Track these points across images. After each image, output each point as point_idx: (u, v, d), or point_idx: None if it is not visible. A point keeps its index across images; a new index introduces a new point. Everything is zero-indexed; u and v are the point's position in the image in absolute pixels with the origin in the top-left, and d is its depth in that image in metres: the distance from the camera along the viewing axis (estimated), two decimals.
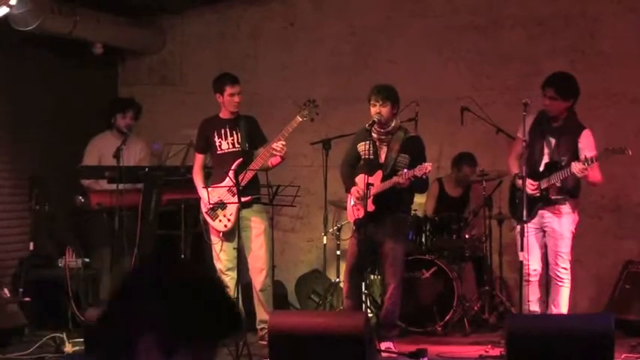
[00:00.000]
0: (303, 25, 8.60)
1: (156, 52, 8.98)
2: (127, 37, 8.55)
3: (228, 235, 6.51)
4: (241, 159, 6.49)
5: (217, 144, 6.62)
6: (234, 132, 6.62)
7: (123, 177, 6.85)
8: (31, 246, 7.25)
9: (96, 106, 8.01)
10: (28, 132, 7.72)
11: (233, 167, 6.42)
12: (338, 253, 7.49)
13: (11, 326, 6.61)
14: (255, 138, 6.67)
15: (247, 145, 6.60)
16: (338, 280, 7.28)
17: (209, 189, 6.48)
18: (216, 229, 6.55)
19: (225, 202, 6.44)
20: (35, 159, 7.71)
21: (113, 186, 6.93)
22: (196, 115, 8.70)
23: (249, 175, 6.42)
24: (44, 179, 7.37)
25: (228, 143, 6.61)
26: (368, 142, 6.29)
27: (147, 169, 7.25)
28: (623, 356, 5.82)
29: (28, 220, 7.43)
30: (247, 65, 8.35)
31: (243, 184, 6.26)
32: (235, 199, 6.25)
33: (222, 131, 6.63)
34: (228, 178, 6.41)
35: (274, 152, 6.41)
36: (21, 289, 6.86)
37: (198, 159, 6.74)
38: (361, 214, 6.16)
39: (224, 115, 6.68)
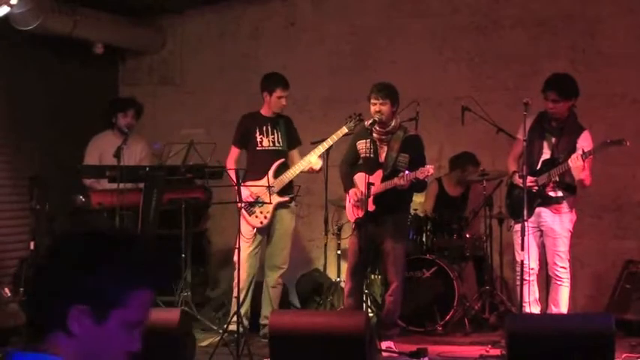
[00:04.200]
0: (304, 25, 8.61)
1: (156, 51, 8.99)
2: (128, 36, 8.56)
3: (260, 231, 6.66)
4: (282, 159, 6.66)
5: (258, 140, 6.72)
6: (275, 130, 6.74)
7: (123, 176, 6.84)
8: (32, 245, 7.24)
9: (96, 106, 8.01)
10: (28, 132, 7.72)
11: (274, 167, 6.58)
12: (338, 252, 7.50)
13: (11, 326, 6.60)
14: (291, 139, 6.82)
15: (287, 145, 6.76)
16: (339, 279, 7.29)
17: (247, 185, 6.55)
18: (250, 224, 6.64)
19: (263, 201, 6.58)
20: (35, 159, 7.71)
21: (114, 185, 6.93)
22: (197, 115, 8.72)
23: (288, 178, 6.64)
24: (44, 179, 7.36)
25: (269, 141, 6.73)
26: (368, 140, 6.30)
27: (147, 169, 7.25)
28: (623, 356, 5.83)
29: (28, 220, 7.43)
30: (247, 65, 8.36)
31: (282, 184, 6.57)
32: (273, 198, 6.50)
33: (265, 128, 6.74)
34: (266, 177, 6.51)
35: (311, 168, 6.61)
36: (21, 289, 6.87)
37: (235, 153, 6.82)
38: (361, 213, 6.17)
39: (266, 112, 6.78)
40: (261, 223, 6.64)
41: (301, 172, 6.71)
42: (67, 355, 1.76)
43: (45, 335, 1.78)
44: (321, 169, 6.67)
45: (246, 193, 6.51)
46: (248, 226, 6.62)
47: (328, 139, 6.55)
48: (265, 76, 6.81)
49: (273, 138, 6.73)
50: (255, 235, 6.67)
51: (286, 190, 6.69)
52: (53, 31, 7.37)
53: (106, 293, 1.78)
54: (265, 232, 6.70)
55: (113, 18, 8.16)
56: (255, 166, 6.69)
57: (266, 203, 6.54)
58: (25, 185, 7.41)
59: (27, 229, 7.46)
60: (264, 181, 6.48)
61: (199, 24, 8.90)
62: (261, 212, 6.63)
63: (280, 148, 6.74)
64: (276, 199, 6.60)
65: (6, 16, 6.58)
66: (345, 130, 6.55)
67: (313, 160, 6.61)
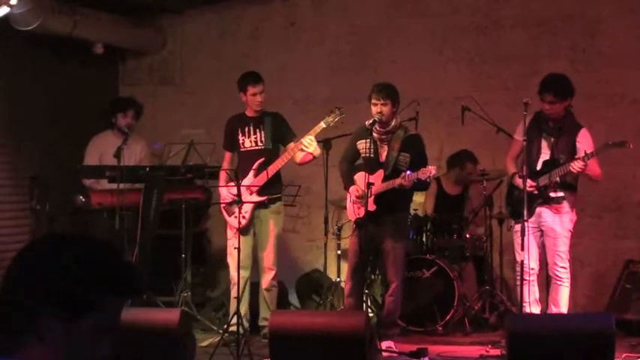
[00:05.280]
0: (304, 25, 8.61)
1: (156, 51, 8.99)
2: (128, 36, 8.56)
3: (243, 232, 6.57)
4: (263, 158, 6.56)
5: (241, 142, 6.72)
6: (257, 130, 6.70)
7: (124, 176, 6.85)
8: None
9: (96, 106, 8.01)
10: (29, 132, 7.72)
11: (254, 167, 6.51)
12: (338, 252, 7.49)
13: None
14: (282, 134, 6.74)
15: (271, 143, 6.68)
16: (339, 279, 7.28)
17: (228, 185, 6.54)
18: (231, 225, 6.63)
19: (242, 200, 6.49)
20: (35, 159, 7.71)
21: (114, 185, 6.93)
22: (197, 115, 8.72)
23: (267, 175, 6.51)
24: (45, 179, 7.37)
25: (251, 141, 6.70)
26: (368, 140, 6.30)
27: (147, 169, 7.25)
28: (623, 356, 5.83)
29: (28, 220, 7.43)
30: (247, 65, 8.33)
31: (260, 184, 6.41)
32: (252, 197, 6.39)
33: (247, 129, 6.72)
34: (248, 176, 6.48)
35: (303, 147, 6.43)
36: None
37: (226, 157, 6.84)
38: (362, 212, 6.16)
39: (249, 112, 6.76)
40: (240, 223, 6.50)
41: (302, 161, 6.61)
42: None
43: (13, 340, 1.74)
44: (314, 155, 6.53)
45: (224, 193, 6.52)
46: (230, 227, 6.62)
47: (310, 132, 6.48)
48: (238, 78, 6.77)
49: (256, 138, 6.68)
50: (236, 236, 6.53)
51: (272, 189, 6.58)
52: (53, 31, 7.37)
53: (78, 299, 1.74)
54: (248, 233, 6.59)
55: (113, 18, 8.16)
56: (240, 167, 6.69)
57: (246, 202, 6.42)
58: (25, 185, 7.42)
59: (27, 229, 7.46)
60: (244, 182, 6.45)
61: (199, 24, 8.90)
62: (239, 212, 6.51)
63: (264, 147, 6.66)
64: (255, 198, 6.53)
65: (6, 17, 6.58)
66: (322, 125, 6.49)
67: (298, 155, 6.52)
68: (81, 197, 7.27)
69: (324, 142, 7.37)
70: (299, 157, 6.61)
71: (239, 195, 6.16)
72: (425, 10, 8.28)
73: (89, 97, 8.29)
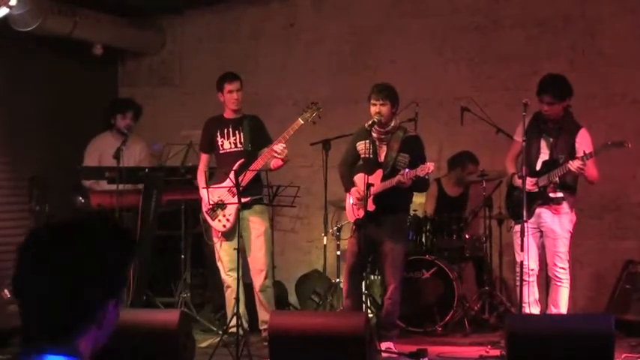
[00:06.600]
0: (304, 26, 8.61)
1: (156, 52, 8.99)
2: (127, 37, 8.56)
3: (227, 235, 6.50)
4: (243, 159, 6.47)
5: (220, 143, 6.62)
6: (236, 132, 6.61)
7: (123, 177, 6.84)
8: None
9: (96, 107, 8.01)
10: (28, 132, 7.72)
11: (234, 168, 6.39)
12: (338, 253, 7.49)
13: (12, 327, 6.60)
14: (258, 138, 6.62)
15: (250, 145, 6.58)
16: (338, 280, 7.28)
17: (209, 189, 6.47)
18: (215, 229, 6.56)
19: (225, 202, 6.44)
20: (35, 159, 7.71)
21: (113, 186, 6.93)
22: (196, 116, 8.71)
23: (250, 175, 6.39)
24: (44, 180, 7.37)
25: (230, 143, 6.61)
26: (367, 141, 6.30)
27: (147, 170, 7.25)
28: (623, 356, 5.82)
29: (28, 221, 7.42)
30: (247, 65, 8.35)
31: (243, 184, 6.23)
32: (235, 199, 6.22)
33: (225, 131, 6.62)
34: (228, 179, 6.38)
35: (275, 155, 6.39)
36: None
37: (203, 158, 6.74)
38: (361, 213, 6.16)
39: (228, 114, 6.68)
40: (224, 226, 6.46)
41: (269, 170, 6.50)
42: (89, 349, 1.78)
43: (74, 331, 1.77)
44: (285, 159, 6.44)
45: (206, 197, 6.45)
46: (215, 232, 6.56)
47: (284, 134, 6.36)
48: (216, 80, 6.69)
49: (235, 139, 6.59)
50: (221, 240, 6.51)
51: (254, 190, 6.45)
52: (53, 32, 7.37)
53: (121, 279, 1.83)
54: (233, 237, 6.38)
55: (113, 19, 8.16)
56: (219, 169, 6.61)
57: (230, 204, 6.37)
58: (25, 186, 7.42)
59: (26, 231, 7.43)
60: (225, 184, 6.37)
61: (199, 25, 8.90)
62: (223, 216, 6.47)
63: (243, 149, 6.56)
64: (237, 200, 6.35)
65: (6, 18, 6.58)
66: (300, 121, 6.39)
67: (279, 148, 6.32)
68: (80, 198, 7.28)
69: (324, 143, 7.38)
70: (271, 162, 6.49)
71: (239, 195, 6.13)
72: (425, 10, 8.28)
73: (88, 98, 8.29)
